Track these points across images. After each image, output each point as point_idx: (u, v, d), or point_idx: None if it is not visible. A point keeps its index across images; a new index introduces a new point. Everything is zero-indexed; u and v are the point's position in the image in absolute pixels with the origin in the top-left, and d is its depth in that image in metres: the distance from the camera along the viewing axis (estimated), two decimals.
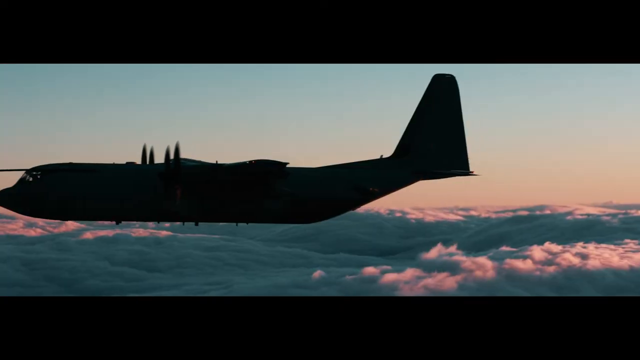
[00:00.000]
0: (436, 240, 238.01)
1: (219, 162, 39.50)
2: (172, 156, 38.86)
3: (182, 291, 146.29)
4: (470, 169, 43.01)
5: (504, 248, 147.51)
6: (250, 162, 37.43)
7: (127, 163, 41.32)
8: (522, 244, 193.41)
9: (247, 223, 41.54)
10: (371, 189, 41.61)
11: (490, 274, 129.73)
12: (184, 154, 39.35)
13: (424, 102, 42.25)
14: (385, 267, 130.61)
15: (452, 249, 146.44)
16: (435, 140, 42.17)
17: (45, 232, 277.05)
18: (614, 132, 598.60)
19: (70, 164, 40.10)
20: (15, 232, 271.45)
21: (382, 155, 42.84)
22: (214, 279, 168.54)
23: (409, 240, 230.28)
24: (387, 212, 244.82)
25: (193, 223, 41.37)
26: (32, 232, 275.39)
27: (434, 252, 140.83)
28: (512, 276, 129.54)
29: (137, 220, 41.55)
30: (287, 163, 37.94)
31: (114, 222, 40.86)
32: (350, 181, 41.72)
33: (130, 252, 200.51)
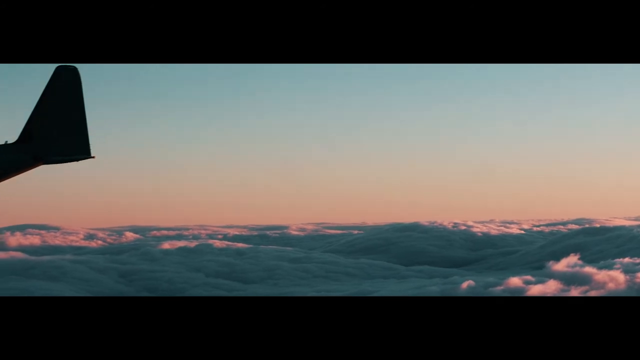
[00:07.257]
0: (504, 252, 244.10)
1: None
2: None
3: None
4: (92, 154, 44.13)
5: (627, 259, 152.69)
6: None
7: None
8: (600, 255, 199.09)
9: None
10: None
11: (622, 287, 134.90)
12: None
13: (47, 91, 43.30)
14: (526, 277, 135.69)
15: (574, 258, 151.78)
16: (57, 127, 43.54)
17: (105, 244, 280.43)
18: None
19: None
20: (77, 244, 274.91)
21: (7, 141, 43.87)
22: (319, 288, 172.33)
23: (478, 252, 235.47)
24: (452, 225, 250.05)
25: None
26: (94, 244, 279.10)
27: (564, 263, 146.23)
28: None
29: None
30: None
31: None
32: None
33: (219, 264, 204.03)
